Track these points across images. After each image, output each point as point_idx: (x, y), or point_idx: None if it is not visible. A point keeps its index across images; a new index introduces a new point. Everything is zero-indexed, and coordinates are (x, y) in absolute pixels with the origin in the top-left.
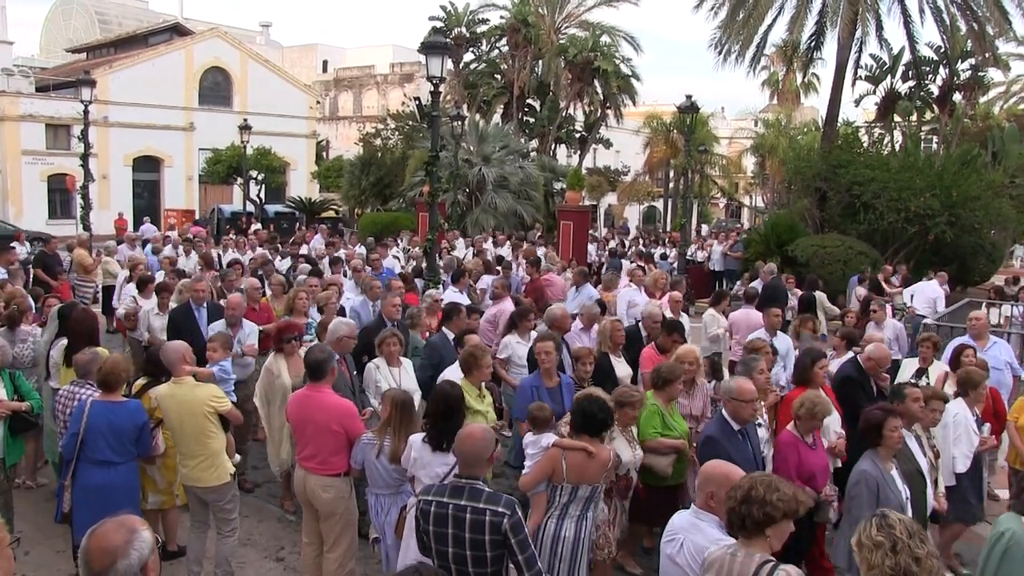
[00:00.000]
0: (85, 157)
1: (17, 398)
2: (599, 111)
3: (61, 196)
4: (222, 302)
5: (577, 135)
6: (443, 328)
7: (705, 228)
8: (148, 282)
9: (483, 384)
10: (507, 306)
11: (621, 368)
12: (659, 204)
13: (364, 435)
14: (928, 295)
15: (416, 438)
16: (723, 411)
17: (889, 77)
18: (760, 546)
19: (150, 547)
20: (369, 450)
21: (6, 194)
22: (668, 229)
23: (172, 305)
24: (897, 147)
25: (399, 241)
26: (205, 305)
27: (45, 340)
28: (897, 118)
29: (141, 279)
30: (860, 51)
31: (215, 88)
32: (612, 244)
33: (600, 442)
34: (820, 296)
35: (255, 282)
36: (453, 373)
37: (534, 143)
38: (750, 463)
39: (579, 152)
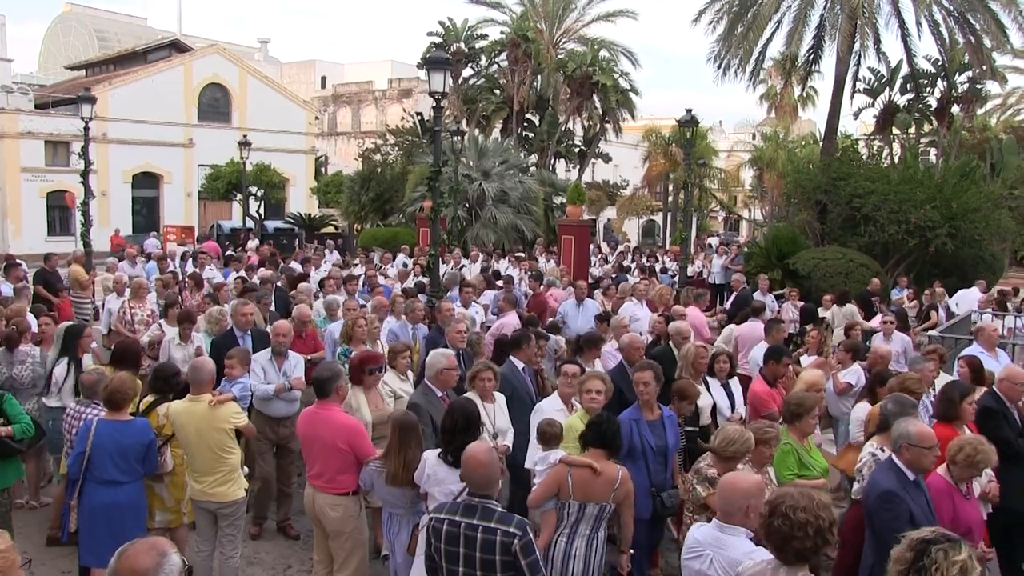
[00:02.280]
0: (85, 174)
1: (3, 422)
2: (598, 125)
3: (61, 213)
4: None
5: (576, 149)
6: (511, 357)
7: (714, 240)
8: (171, 306)
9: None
10: (511, 320)
11: (704, 397)
12: (658, 218)
13: (372, 461)
14: (971, 302)
15: (431, 454)
16: (895, 459)
17: (888, 90)
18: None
19: (179, 571)
20: (377, 477)
21: (5, 212)
22: (668, 243)
23: (196, 334)
24: (896, 159)
25: (394, 257)
26: (250, 332)
27: (50, 359)
28: (896, 130)
29: (168, 303)
30: (859, 64)
31: (214, 104)
32: (613, 259)
33: (608, 459)
34: (851, 309)
35: (305, 309)
36: (550, 406)
37: (533, 158)
38: (928, 517)
39: (578, 166)
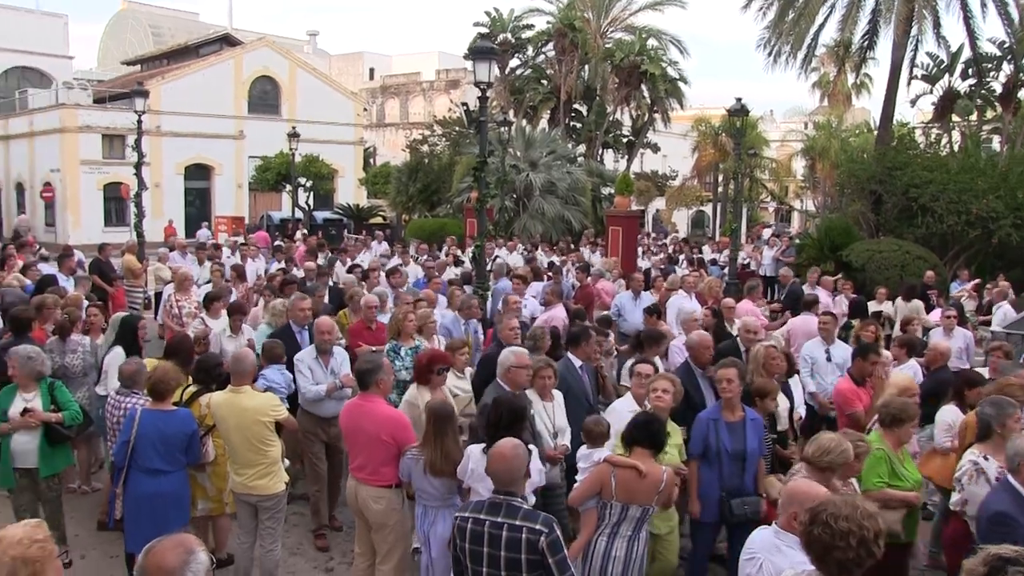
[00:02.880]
0: (138, 166)
1: (54, 409)
2: (646, 115)
3: (117, 204)
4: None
5: (624, 139)
6: (568, 354)
7: (767, 232)
8: (215, 299)
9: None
10: (559, 313)
11: (781, 401)
12: (708, 208)
13: (409, 449)
14: None
15: (475, 448)
16: (1011, 479)
17: (947, 75)
18: None
19: (206, 569)
20: (414, 464)
21: (65, 203)
22: (718, 234)
23: (247, 327)
24: (956, 148)
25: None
26: (306, 327)
27: (101, 345)
28: (956, 118)
29: (208, 296)
30: (916, 49)
31: (264, 97)
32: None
33: (654, 460)
34: (916, 305)
35: (372, 299)
36: (624, 406)
37: (581, 148)
38: None
39: (627, 156)
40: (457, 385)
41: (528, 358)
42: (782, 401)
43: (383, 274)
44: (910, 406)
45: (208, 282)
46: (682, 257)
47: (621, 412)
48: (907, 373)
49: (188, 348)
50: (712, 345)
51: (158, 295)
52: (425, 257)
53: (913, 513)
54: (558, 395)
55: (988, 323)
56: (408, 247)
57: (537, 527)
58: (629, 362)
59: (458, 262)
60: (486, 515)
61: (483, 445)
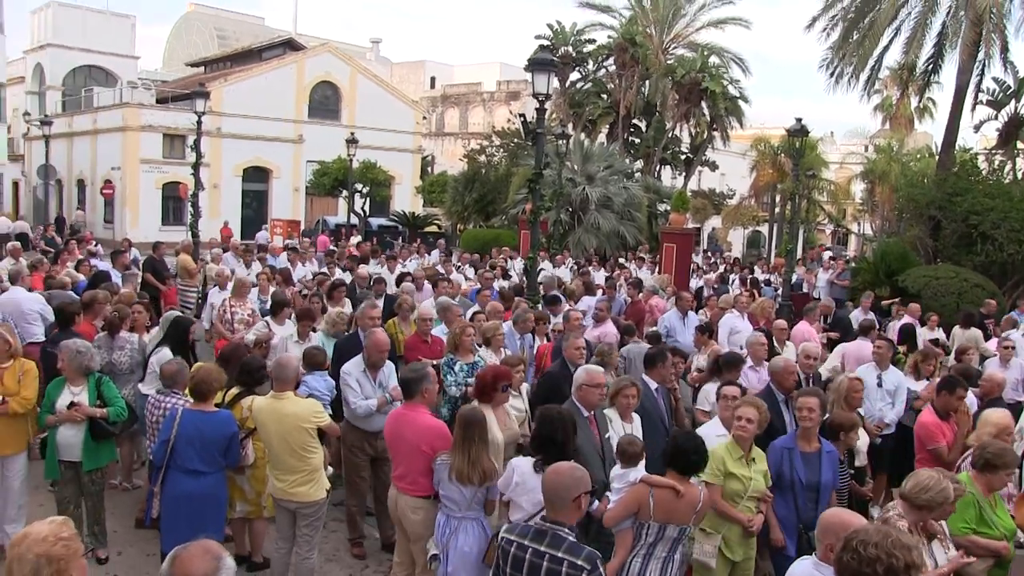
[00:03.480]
0: (196, 166)
1: (100, 404)
2: (705, 132)
3: (174, 204)
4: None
5: (683, 156)
6: (643, 376)
7: (827, 255)
8: (284, 305)
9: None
10: (609, 329)
11: (861, 437)
12: (764, 229)
13: (440, 455)
14: None
15: (522, 461)
16: None
17: (1014, 101)
18: None
19: (234, 574)
20: (443, 470)
21: (124, 200)
22: (773, 255)
23: (314, 334)
24: (1020, 175)
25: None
26: None
27: (149, 342)
28: (1021, 145)
29: (275, 302)
30: (982, 74)
31: (324, 102)
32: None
33: (689, 481)
34: (975, 334)
35: (428, 311)
36: (711, 431)
37: (639, 163)
38: None
39: (684, 174)
40: (511, 404)
41: (602, 376)
42: (862, 437)
43: (427, 284)
44: (1008, 453)
45: (255, 285)
46: (734, 277)
47: (709, 437)
48: (1003, 410)
49: (240, 357)
50: (797, 371)
51: (204, 295)
52: (467, 266)
53: (1004, 564)
54: (637, 417)
55: None
56: (451, 256)
57: (579, 563)
58: (709, 386)
59: (506, 275)
60: (531, 542)
61: (532, 459)
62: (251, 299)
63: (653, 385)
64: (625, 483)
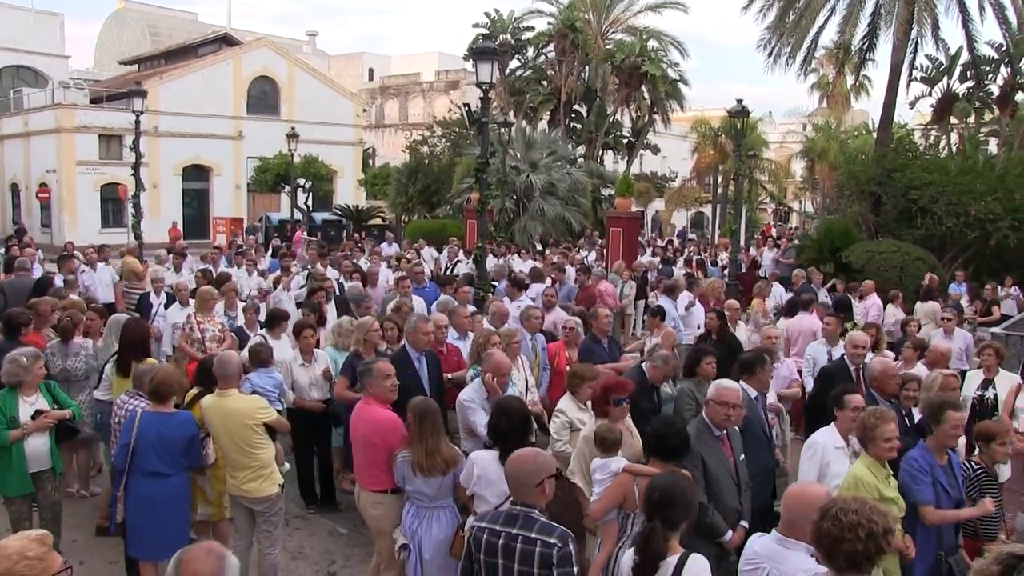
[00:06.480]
0: (136, 167)
1: (57, 407)
2: (647, 116)
3: (114, 206)
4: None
5: (624, 141)
6: (741, 382)
7: (775, 231)
8: (282, 319)
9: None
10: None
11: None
12: (707, 210)
13: (400, 452)
14: None
15: (483, 455)
16: None
17: (946, 78)
18: None
19: (237, 572)
20: (405, 467)
21: (62, 204)
22: (717, 235)
23: (319, 353)
24: (955, 150)
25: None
26: (424, 354)
27: (101, 348)
28: (954, 120)
29: (272, 315)
30: (915, 52)
31: (263, 97)
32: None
33: (671, 467)
34: (933, 307)
35: (441, 317)
36: (827, 440)
37: (581, 149)
38: None
39: (626, 158)
40: (579, 417)
41: (733, 393)
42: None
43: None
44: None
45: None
46: (681, 259)
47: (826, 446)
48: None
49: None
50: (897, 374)
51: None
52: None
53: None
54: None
55: (987, 324)
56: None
57: (551, 540)
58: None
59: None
60: (502, 526)
61: (493, 452)
62: (218, 313)
63: (753, 393)
64: (607, 473)
